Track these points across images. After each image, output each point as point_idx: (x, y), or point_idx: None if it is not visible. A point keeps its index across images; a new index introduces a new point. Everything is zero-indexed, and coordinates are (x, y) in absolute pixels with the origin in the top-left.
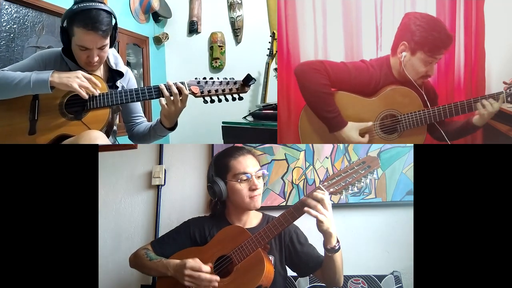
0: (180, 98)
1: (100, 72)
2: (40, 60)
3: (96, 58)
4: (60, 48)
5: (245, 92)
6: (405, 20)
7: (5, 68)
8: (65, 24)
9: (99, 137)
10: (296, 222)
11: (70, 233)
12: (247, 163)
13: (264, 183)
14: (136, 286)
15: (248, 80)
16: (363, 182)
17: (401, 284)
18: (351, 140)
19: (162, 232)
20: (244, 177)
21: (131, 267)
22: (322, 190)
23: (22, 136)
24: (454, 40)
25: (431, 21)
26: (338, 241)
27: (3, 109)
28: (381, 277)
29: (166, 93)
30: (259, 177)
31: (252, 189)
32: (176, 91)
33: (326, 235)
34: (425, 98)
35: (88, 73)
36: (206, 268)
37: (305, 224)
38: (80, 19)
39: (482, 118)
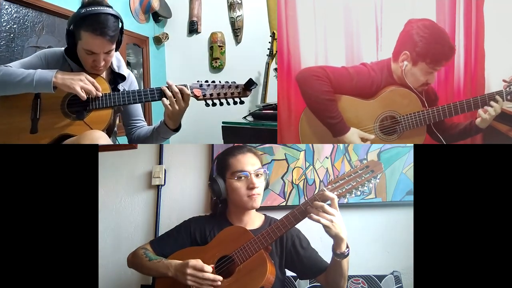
0: (182, 97)
1: (104, 73)
2: (44, 58)
3: (102, 63)
4: (63, 48)
5: (247, 96)
6: (408, 28)
7: (8, 64)
8: (71, 28)
9: (101, 137)
10: (298, 226)
11: (70, 233)
12: (246, 161)
13: (266, 183)
14: (136, 286)
15: (250, 84)
16: (366, 186)
17: (401, 284)
18: None
19: (162, 232)
20: (242, 175)
21: (129, 267)
22: (328, 193)
23: (23, 135)
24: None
25: (434, 33)
26: (348, 247)
27: (5, 107)
28: (381, 277)
29: (168, 93)
30: (258, 175)
31: (250, 187)
32: (176, 89)
33: (337, 239)
34: (425, 101)
35: (92, 76)
36: (208, 268)
37: (306, 227)
38: (89, 24)
39: (484, 122)
